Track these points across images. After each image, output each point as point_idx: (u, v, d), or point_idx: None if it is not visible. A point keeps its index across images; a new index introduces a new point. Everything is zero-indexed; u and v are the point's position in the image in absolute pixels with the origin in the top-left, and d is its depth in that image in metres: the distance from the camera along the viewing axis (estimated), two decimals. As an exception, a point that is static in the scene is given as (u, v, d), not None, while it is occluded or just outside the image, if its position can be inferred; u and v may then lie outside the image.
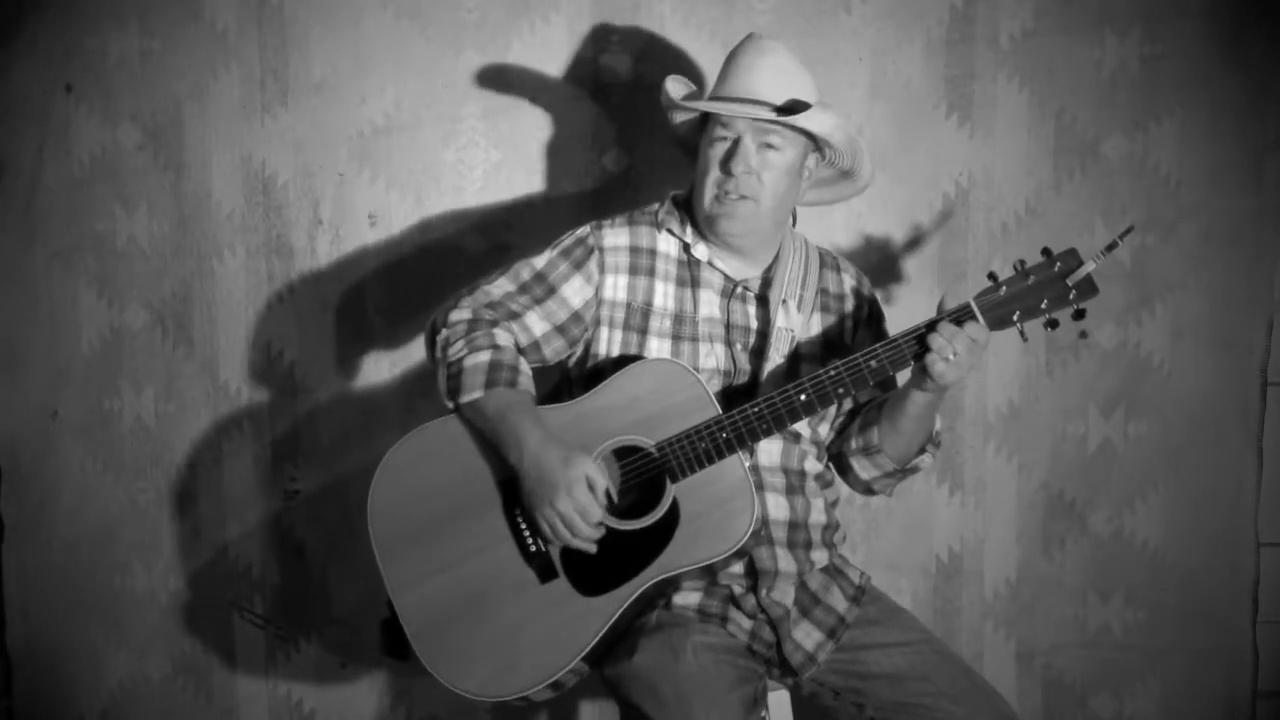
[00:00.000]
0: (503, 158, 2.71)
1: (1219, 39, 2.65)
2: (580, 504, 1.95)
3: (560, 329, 2.15)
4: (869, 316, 2.31)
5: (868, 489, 2.27)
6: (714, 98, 2.16)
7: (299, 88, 2.71)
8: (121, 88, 2.74)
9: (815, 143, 2.16)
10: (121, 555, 2.85)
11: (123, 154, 2.76)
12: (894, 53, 2.68)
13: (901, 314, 2.64)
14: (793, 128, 2.10)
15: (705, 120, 2.18)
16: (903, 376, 2.09)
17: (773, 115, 2.08)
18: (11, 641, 2.88)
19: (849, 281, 2.31)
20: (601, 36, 2.68)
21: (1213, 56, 2.65)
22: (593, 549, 1.99)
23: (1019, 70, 2.68)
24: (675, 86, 2.21)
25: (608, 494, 1.99)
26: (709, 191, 2.13)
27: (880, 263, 2.70)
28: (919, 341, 1.98)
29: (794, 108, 2.09)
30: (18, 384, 2.83)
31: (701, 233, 2.19)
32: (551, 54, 2.69)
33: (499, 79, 2.69)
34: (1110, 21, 2.66)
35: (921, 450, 2.20)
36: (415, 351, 2.75)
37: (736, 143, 2.10)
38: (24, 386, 2.83)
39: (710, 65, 2.64)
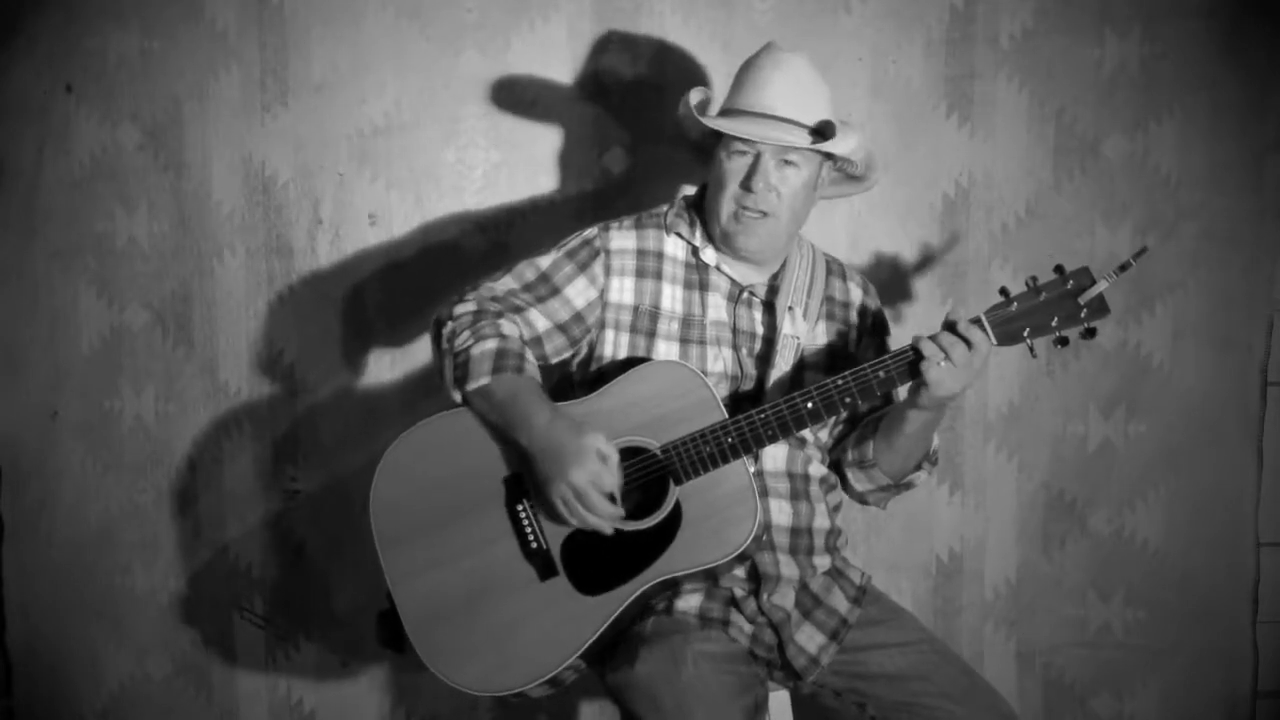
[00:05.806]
0: (503, 158, 2.71)
1: (1219, 39, 2.65)
2: (594, 473, 1.93)
3: (562, 328, 2.13)
4: (874, 326, 2.29)
5: (861, 499, 2.28)
6: (733, 110, 2.11)
7: (299, 88, 2.70)
8: (121, 88, 2.73)
9: (833, 158, 2.14)
10: (121, 555, 2.84)
11: (123, 154, 2.75)
12: (894, 53, 2.68)
13: (900, 314, 2.65)
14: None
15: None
16: (904, 390, 2.07)
17: (805, 142, 2.05)
18: (11, 641, 2.87)
19: (855, 290, 2.30)
20: (601, 36, 2.67)
21: (1213, 56, 2.65)
22: (609, 529, 1.96)
23: (1019, 70, 2.67)
24: (699, 98, 2.14)
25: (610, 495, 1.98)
26: (726, 207, 2.10)
27: (880, 263, 2.70)
28: (921, 352, 1.95)
29: (824, 131, 2.06)
30: (18, 384, 2.82)
31: (710, 238, 2.18)
32: (552, 54, 2.68)
33: (499, 79, 2.69)
34: (1110, 21, 2.66)
35: (918, 467, 2.19)
36: (416, 351, 2.75)
37: (757, 158, 2.06)
38: (24, 386, 2.83)
39: (710, 65, 2.64)
